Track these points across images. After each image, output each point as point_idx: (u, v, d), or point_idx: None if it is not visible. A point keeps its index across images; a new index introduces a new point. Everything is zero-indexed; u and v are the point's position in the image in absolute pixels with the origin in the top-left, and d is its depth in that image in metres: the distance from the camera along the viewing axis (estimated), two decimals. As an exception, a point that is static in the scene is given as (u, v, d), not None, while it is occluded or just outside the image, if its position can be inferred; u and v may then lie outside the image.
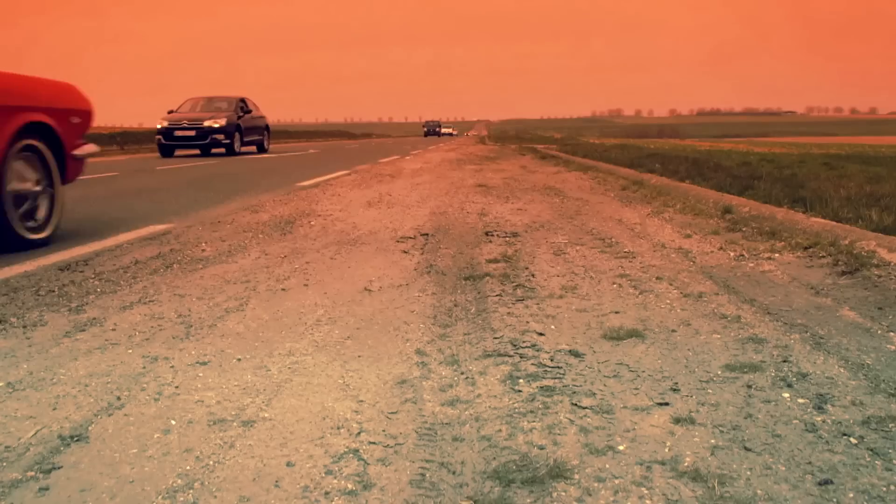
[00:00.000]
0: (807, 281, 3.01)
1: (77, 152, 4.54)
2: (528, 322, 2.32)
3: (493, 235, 4.20)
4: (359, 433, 1.50)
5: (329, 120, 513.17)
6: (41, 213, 4.16)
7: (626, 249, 3.68)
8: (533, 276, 3.05)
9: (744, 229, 4.43)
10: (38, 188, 4.15)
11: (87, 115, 4.76)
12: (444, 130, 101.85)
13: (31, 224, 4.02)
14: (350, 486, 1.29)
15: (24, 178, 4.03)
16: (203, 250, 3.82)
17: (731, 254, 3.55)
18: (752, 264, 3.30)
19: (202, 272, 3.23)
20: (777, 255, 3.51)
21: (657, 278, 2.99)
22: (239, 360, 1.98)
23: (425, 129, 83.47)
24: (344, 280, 3.02)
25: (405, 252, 3.66)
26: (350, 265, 3.34)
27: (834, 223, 4.13)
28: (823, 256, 3.41)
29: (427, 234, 4.24)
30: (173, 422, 1.56)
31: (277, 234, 4.35)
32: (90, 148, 4.82)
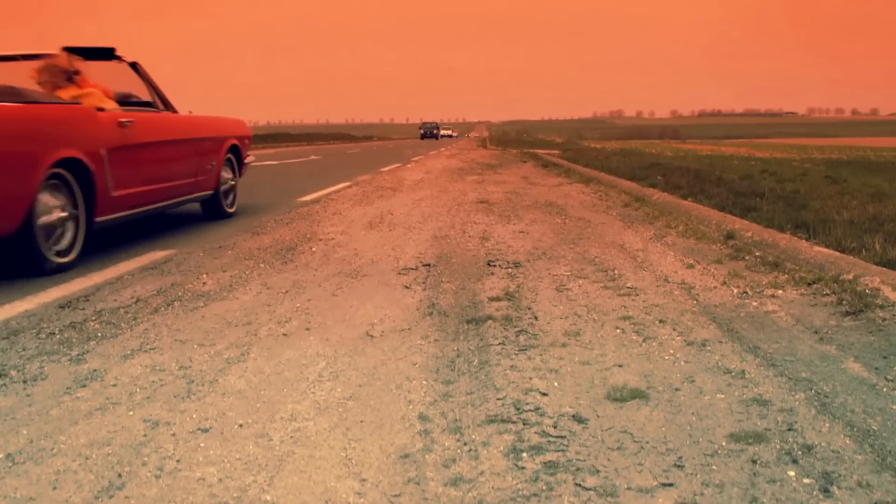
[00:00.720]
0: (810, 323, 2.99)
1: (246, 161, 7.51)
2: (530, 378, 2.31)
3: (495, 266, 4.18)
4: (361, 519, 1.49)
5: (330, 121, 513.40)
6: (230, 196, 7.03)
7: (628, 284, 3.67)
8: (535, 318, 3.04)
9: (746, 258, 4.42)
10: (232, 179, 7.04)
11: (250, 138, 7.67)
12: (443, 132, 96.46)
13: (226, 188, 6.87)
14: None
15: (228, 172, 6.91)
16: (204, 283, 3.81)
17: (735, 290, 3.53)
18: (755, 303, 3.29)
19: (203, 311, 3.22)
20: (780, 291, 3.50)
21: (660, 321, 2.98)
22: (241, 425, 1.97)
23: (422, 132, 76.76)
24: (346, 323, 3.00)
25: (407, 287, 3.64)
26: (352, 303, 3.33)
27: (838, 254, 4.12)
28: (827, 294, 3.39)
29: (429, 265, 4.22)
30: (174, 504, 1.55)
31: (279, 263, 4.34)
32: (251, 158, 7.86)
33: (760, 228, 5.19)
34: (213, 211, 6.68)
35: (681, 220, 6.08)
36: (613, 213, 6.87)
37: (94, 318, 3.12)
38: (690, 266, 4.18)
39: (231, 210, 6.93)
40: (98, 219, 4.57)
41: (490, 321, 2.99)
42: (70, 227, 4.29)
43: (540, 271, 4.04)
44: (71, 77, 4.97)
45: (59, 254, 4.16)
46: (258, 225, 6.14)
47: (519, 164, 16.88)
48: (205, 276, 3.99)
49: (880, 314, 3.05)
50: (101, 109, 4.76)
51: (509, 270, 4.06)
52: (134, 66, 5.69)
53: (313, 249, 4.82)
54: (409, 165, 16.90)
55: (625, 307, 3.22)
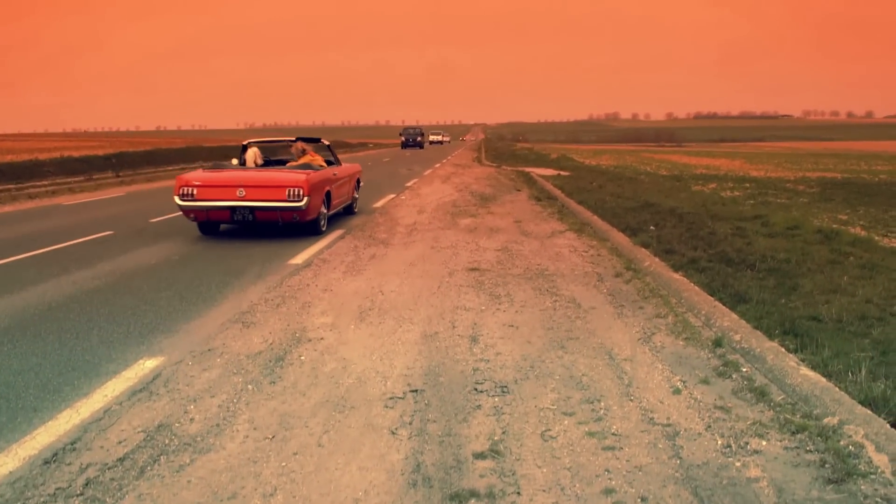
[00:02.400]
0: (792, 494, 3.01)
1: (360, 186, 13.72)
2: None
3: (482, 393, 4.19)
4: None
5: (326, 123, 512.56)
6: (355, 204, 13.22)
7: (613, 429, 3.68)
8: (518, 493, 3.05)
9: (734, 375, 4.46)
10: (355, 194, 13.08)
11: (361, 173, 13.68)
12: (432, 138, 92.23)
13: (354, 200, 13.22)
14: None
15: (355, 192, 12.98)
16: (192, 419, 3.82)
17: (719, 441, 3.55)
18: (738, 464, 3.30)
19: (189, 472, 3.23)
20: (764, 443, 3.52)
21: (642, 500, 2.99)
22: None
23: (403, 139, 65.72)
24: (331, 497, 3.01)
25: (393, 433, 3.65)
26: (338, 462, 3.34)
27: (824, 382, 4.12)
28: (811, 451, 3.41)
29: (416, 391, 4.23)
30: None
31: (266, 383, 4.35)
32: (362, 183, 14.16)
33: (749, 331, 5.19)
34: (349, 210, 12.98)
35: (671, 309, 6.09)
36: (604, 290, 6.88)
37: (80, 479, 3.12)
38: (677, 391, 4.20)
39: (355, 210, 13.29)
40: (329, 213, 11.01)
41: (473, 500, 3.00)
42: (323, 214, 10.67)
43: (527, 402, 4.05)
44: (304, 151, 11.82)
45: (322, 226, 10.67)
46: (247, 308, 6.15)
47: (513, 196, 16.88)
48: (192, 407, 3.99)
49: (863, 487, 3.06)
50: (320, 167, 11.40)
51: (496, 401, 4.07)
52: (328, 146, 12.88)
53: (302, 358, 4.83)
54: (403, 196, 16.88)
55: (608, 472, 3.23)
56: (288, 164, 11.54)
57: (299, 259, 8.48)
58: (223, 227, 10.90)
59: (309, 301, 6.43)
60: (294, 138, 12.21)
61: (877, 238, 10.56)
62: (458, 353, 4.95)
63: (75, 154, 28.84)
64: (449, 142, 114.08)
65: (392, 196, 16.92)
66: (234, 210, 9.85)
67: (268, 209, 9.82)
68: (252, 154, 11.71)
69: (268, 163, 11.98)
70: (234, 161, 11.89)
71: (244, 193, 9.78)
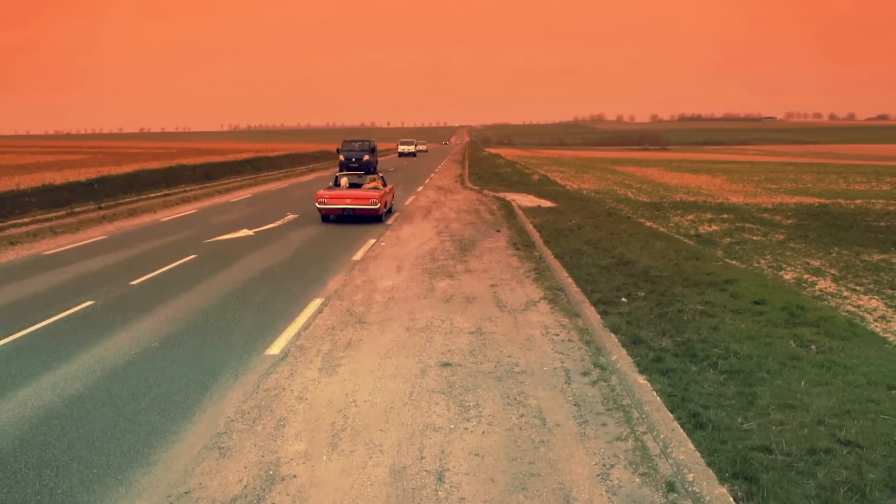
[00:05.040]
0: None
1: (394, 196, 24.77)
2: None
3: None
4: None
5: (311, 124, 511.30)
6: (393, 208, 23.35)
7: None
8: None
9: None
10: (392, 201, 23.42)
11: (394, 189, 25.29)
12: (404, 149, 78.32)
13: (391, 210, 23.19)
14: None
15: (392, 200, 23.54)
16: None
17: None
18: None
19: None
20: None
21: None
22: None
23: (342, 159, 41.37)
24: None
25: None
26: None
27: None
28: None
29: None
30: None
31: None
32: (395, 192, 25.63)
33: (702, 469, 5.43)
34: (389, 213, 21.73)
35: (632, 429, 6.35)
36: (570, 396, 7.13)
37: None
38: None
39: (393, 211, 22.75)
40: (384, 210, 21.03)
41: None
42: (384, 211, 20.74)
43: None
44: (371, 179, 22.51)
45: (383, 218, 20.93)
46: (226, 446, 6.32)
47: (493, 240, 17.13)
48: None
49: None
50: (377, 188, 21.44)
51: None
52: (382, 176, 22.96)
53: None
54: (383, 243, 17.06)
55: None
56: (363, 186, 21.92)
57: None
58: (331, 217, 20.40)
59: (275, 438, 6.61)
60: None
61: (846, 294, 10.89)
62: (425, 495, 5.17)
63: (57, 181, 28.79)
64: (426, 151, 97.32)
65: (372, 242, 17.08)
66: (343, 209, 20.09)
67: (360, 209, 20.07)
68: (344, 180, 22.24)
69: (352, 185, 22.11)
70: (344, 181, 22.26)
71: (349, 202, 20.10)
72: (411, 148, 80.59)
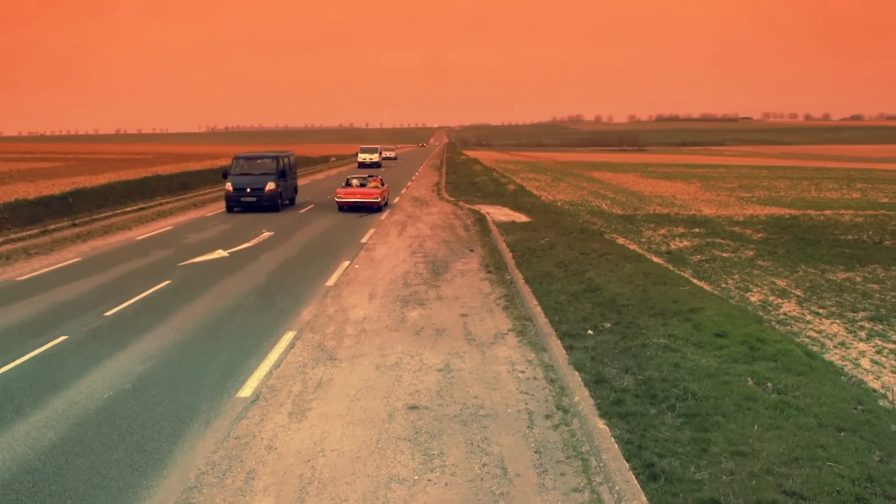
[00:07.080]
0: None
1: (390, 192, 33.86)
2: None
3: None
4: None
5: (289, 125, 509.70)
6: (388, 202, 32.60)
7: None
8: None
9: None
10: (388, 196, 32.31)
11: (389, 188, 33.18)
12: (365, 157, 63.48)
13: (388, 203, 32.53)
14: None
15: (388, 196, 32.77)
16: None
17: None
18: None
19: None
20: None
21: None
22: None
23: (229, 188, 28.16)
24: None
25: None
26: None
27: None
28: None
29: None
30: None
31: None
32: (389, 191, 33.35)
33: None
34: (386, 205, 29.97)
35: (588, 480, 6.59)
36: (532, 442, 7.37)
37: None
38: None
39: (389, 204, 31.31)
40: (383, 203, 29.84)
41: None
42: (383, 205, 29.68)
43: None
44: (374, 177, 31.38)
45: (383, 209, 29.37)
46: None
47: (466, 261, 17.35)
48: None
49: None
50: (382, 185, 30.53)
51: None
52: (380, 177, 32.16)
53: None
54: (356, 265, 17.22)
55: None
56: (367, 185, 29.76)
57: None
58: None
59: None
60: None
61: (808, 318, 11.23)
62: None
63: (31, 194, 28.68)
64: (394, 158, 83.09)
65: (346, 264, 17.24)
66: (355, 202, 28.20)
67: (367, 202, 28.39)
68: (355, 181, 29.98)
69: (360, 185, 29.76)
70: (355, 182, 30.20)
71: (358, 197, 28.40)
72: (374, 157, 63.84)
